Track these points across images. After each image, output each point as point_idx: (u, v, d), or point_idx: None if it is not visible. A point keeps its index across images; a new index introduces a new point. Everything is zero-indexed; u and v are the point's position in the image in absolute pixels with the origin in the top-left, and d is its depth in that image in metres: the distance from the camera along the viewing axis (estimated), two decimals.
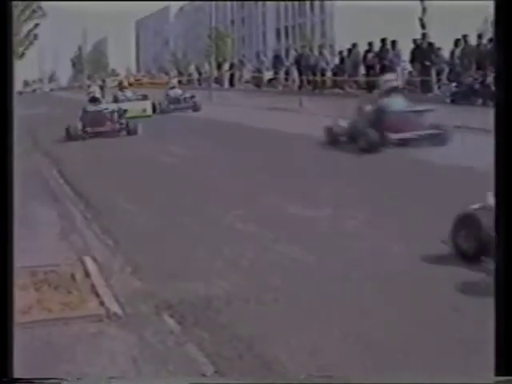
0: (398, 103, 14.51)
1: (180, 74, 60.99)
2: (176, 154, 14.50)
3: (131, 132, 19.41)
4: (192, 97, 28.74)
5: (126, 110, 20.87)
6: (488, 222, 5.66)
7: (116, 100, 26.22)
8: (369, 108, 14.65)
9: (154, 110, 27.24)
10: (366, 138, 13.67)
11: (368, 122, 14.14)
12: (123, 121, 19.93)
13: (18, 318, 4.99)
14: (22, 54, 16.02)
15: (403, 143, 13.58)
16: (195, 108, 27.89)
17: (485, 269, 5.70)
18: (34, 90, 74.95)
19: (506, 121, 3.64)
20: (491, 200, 5.64)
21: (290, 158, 13.33)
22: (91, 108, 20.17)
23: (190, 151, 14.96)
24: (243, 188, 10.62)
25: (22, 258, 6.69)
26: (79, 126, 19.33)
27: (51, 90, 75.66)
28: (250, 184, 10.95)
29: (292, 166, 12.42)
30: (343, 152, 13.81)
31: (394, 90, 14.81)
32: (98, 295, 5.46)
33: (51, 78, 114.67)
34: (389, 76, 16.47)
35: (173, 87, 29.29)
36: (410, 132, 13.74)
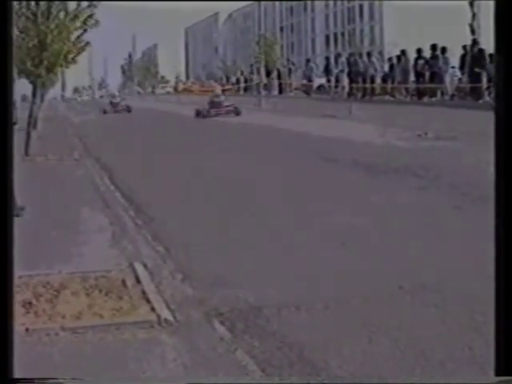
0: None
1: (237, 81, 61.35)
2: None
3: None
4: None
5: None
6: None
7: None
8: None
9: None
10: None
11: None
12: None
13: (69, 323, 5.04)
14: (73, 61, 16.12)
15: None
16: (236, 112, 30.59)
17: None
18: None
19: (506, 124, 3.61)
20: None
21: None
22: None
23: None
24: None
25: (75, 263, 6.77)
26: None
27: (101, 97, 76.54)
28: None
29: None
30: None
31: None
32: (148, 301, 5.48)
33: (101, 85, 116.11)
34: None
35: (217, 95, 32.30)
36: None
